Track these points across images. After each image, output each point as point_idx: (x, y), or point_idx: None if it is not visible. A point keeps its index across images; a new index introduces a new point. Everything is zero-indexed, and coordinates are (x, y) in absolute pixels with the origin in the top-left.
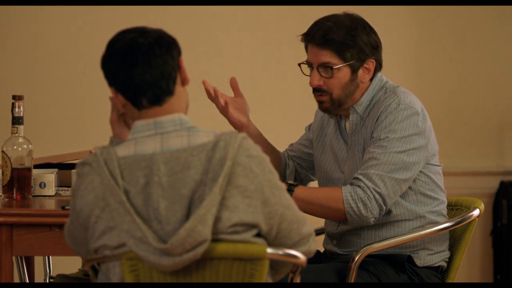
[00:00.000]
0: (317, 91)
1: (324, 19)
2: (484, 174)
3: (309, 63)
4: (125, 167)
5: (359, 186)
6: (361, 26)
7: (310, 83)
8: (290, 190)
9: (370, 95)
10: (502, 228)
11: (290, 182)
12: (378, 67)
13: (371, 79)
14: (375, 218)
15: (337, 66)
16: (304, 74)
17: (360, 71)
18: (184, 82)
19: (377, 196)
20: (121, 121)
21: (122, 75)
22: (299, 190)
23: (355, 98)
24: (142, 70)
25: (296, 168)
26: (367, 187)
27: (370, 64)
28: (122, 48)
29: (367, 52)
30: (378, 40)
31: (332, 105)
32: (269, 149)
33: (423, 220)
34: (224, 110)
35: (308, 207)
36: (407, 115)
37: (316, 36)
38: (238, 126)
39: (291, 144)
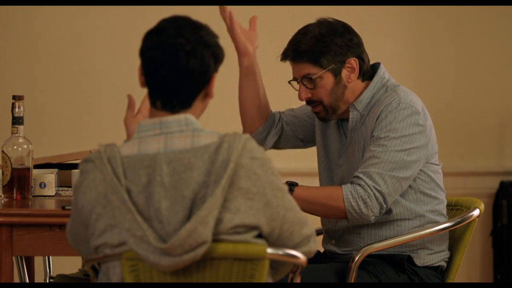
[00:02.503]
0: (309, 103)
1: (296, 33)
2: (484, 174)
3: (295, 79)
4: (128, 166)
5: (359, 184)
6: (331, 30)
7: (300, 98)
8: (290, 190)
9: (371, 92)
10: (502, 228)
11: (290, 181)
12: (362, 63)
13: (369, 76)
14: (376, 216)
15: (316, 75)
16: (296, 90)
17: (344, 72)
18: (207, 96)
19: (377, 194)
20: (135, 121)
21: (149, 65)
22: (299, 190)
23: (347, 100)
24: (167, 75)
25: (287, 133)
26: (368, 185)
27: (353, 62)
28: (165, 42)
29: (344, 53)
30: (355, 37)
31: (326, 113)
32: (261, 93)
33: (423, 219)
34: (231, 28)
35: (309, 206)
36: (408, 114)
37: (288, 53)
38: (242, 51)
39: (292, 109)
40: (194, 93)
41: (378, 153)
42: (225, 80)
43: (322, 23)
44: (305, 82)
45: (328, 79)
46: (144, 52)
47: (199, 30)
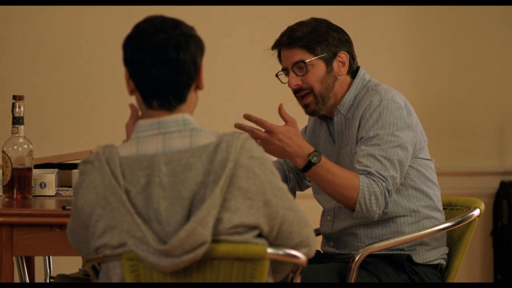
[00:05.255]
0: (298, 92)
1: (289, 26)
2: (484, 174)
3: (284, 70)
4: (126, 167)
5: (374, 180)
6: (326, 24)
7: (289, 85)
8: (315, 156)
9: (353, 94)
10: (502, 228)
11: (315, 150)
12: (352, 60)
13: (353, 75)
14: (379, 215)
15: (309, 60)
16: (282, 83)
17: (335, 64)
18: (198, 87)
19: (387, 193)
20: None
21: (140, 69)
22: (325, 160)
23: (336, 93)
24: (160, 73)
25: (297, 180)
26: (380, 183)
27: (343, 56)
28: (149, 41)
29: (337, 44)
30: (347, 36)
31: (317, 103)
32: None
33: (418, 215)
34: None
35: (329, 178)
36: (392, 110)
37: (283, 39)
38: None
39: None
40: (188, 86)
41: (372, 152)
42: (225, 80)
43: (317, 19)
44: (295, 70)
45: (320, 67)
46: (130, 58)
47: (177, 24)
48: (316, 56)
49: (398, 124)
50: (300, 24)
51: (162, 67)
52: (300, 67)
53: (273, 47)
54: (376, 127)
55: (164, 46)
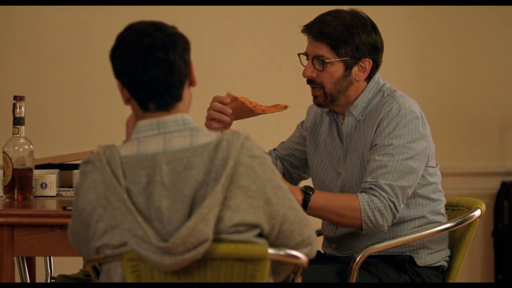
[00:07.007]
0: (310, 82)
1: (326, 13)
2: (485, 174)
3: (306, 54)
4: (127, 166)
5: (374, 195)
6: (362, 24)
7: (303, 73)
8: (306, 199)
9: (367, 97)
10: (503, 228)
11: (306, 186)
12: (375, 67)
13: (368, 79)
14: (389, 226)
15: (329, 60)
16: (302, 65)
17: (355, 69)
18: (192, 84)
19: (391, 205)
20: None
21: (131, 75)
22: (316, 198)
23: (348, 96)
24: (153, 75)
25: (286, 168)
26: (383, 196)
27: (367, 63)
28: (135, 47)
29: (364, 51)
30: (380, 41)
31: (325, 100)
32: None
33: (422, 220)
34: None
35: (324, 215)
36: (409, 120)
37: (313, 28)
38: None
39: (282, 142)
40: (182, 83)
41: (385, 162)
42: (223, 81)
43: (355, 14)
44: (315, 62)
45: (338, 69)
46: (120, 68)
47: (159, 26)
48: (339, 57)
49: (413, 135)
50: (336, 16)
51: (154, 69)
52: (319, 62)
53: (302, 31)
54: (391, 136)
55: (151, 48)
